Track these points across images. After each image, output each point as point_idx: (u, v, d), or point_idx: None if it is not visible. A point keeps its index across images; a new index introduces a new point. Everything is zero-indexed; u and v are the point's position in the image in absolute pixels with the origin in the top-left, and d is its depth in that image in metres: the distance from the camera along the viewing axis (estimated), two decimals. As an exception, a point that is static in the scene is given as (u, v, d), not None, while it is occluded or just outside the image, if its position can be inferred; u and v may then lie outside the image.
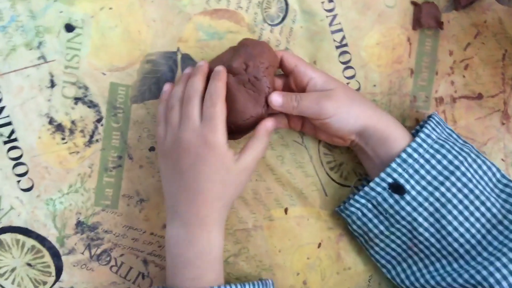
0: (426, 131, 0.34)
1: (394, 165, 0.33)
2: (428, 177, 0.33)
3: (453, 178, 0.33)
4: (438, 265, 0.34)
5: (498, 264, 0.31)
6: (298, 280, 0.39)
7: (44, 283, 0.36)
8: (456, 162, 0.33)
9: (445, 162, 0.33)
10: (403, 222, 0.34)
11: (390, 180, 0.33)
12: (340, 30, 0.39)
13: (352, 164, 0.39)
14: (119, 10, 0.35)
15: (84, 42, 0.35)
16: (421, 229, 0.33)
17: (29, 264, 0.36)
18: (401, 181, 0.33)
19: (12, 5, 0.34)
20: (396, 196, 0.33)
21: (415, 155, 0.33)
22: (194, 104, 0.32)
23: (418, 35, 0.40)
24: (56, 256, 0.36)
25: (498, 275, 0.31)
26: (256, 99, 0.33)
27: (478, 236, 0.33)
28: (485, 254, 0.32)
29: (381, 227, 0.35)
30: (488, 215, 0.33)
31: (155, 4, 0.36)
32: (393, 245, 0.36)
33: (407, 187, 0.33)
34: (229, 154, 0.32)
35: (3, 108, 0.35)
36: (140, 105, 0.37)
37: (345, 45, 0.39)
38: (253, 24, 0.37)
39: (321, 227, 0.39)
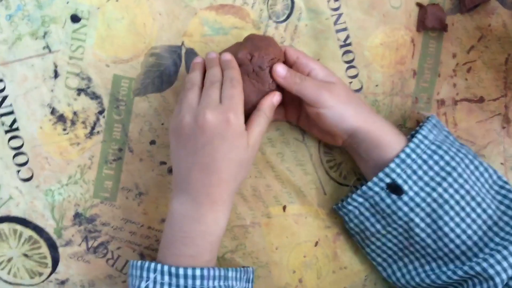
0: (423, 132, 0.40)
1: (392, 165, 0.38)
2: (426, 178, 0.38)
3: (450, 179, 0.38)
4: (434, 265, 0.40)
5: (498, 257, 0.36)
6: (294, 278, 0.44)
7: (40, 274, 0.41)
8: (453, 163, 0.39)
9: (442, 163, 0.39)
10: (400, 222, 0.39)
11: (388, 180, 0.39)
12: (345, 29, 0.44)
13: (352, 163, 0.45)
14: (125, 2, 0.40)
15: (90, 33, 0.40)
16: (417, 230, 0.39)
17: (25, 255, 0.41)
18: (399, 181, 0.38)
19: (16, -7, 0.39)
20: (394, 196, 0.39)
21: (413, 156, 0.39)
22: (216, 87, 0.37)
23: (422, 37, 0.46)
24: (53, 247, 0.41)
25: (498, 267, 0.36)
26: (260, 90, 0.39)
27: (475, 238, 0.38)
28: (481, 255, 0.38)
29: (378, 226, 0.41)
30: (484, 216, 0.39)
31: (161, -3, 0.41)
32: (389, 244, 0.42)
33: (405, 187, 0.38)
34: (246, 134, 0.36)
35: (6, 97, 0.40)
36: (142, 98, 0.42)
37: (349, 44, 0.44)
38: (258, 21, 0.42)
39: (318, 225, 0.44)
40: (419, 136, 0.39)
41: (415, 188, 0.38)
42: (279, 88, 0.39)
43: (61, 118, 0.41)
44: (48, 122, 0.41)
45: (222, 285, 0.35)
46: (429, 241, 0.39)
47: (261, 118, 0.38)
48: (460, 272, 0.38)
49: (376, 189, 0.39)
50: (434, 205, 0.38)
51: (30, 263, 0.41)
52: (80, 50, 0.41)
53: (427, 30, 0.47)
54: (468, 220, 0.38)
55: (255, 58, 0.38)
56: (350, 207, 0.41)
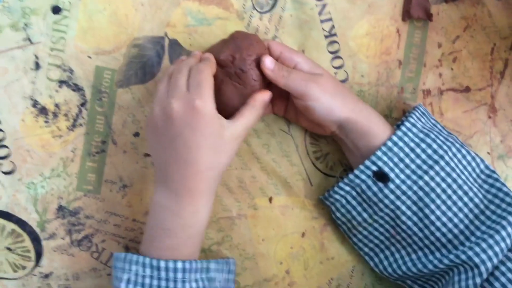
0: (412, 120, 0.39)
1: (379, 153, 0.38)
2: (413, 166, 0.38)
3: (437, 167, 0.38)
4: (420, 253, 0.39)
5: (484, 245, 0.36)
6: (281, 269, 0.44)
7: (24, 267, 0.40)
8: (440, 152, 0.38)
9: (429, 151, 0.38)
10: (386, 210, 0.39)
11: (374, 168, 0.38)
12: (330, 19, 0.43)
13: (338, 154, 0.44)
14: (106, -7, 0.40)
15: (71, 24, 0.40)
16: (404, 218, 0.38)
17: (8, 248, 0.40)
18: (386, 169, 0.38)
19: (-4, -16, 0.38)
20: (380, 184, 0.38)
21: (400, 144, 0.38)
22: (183, 74, 0.35)
23: (407, 27, 0.45)
24: (36, 240, 0.40)
25: (483, 256, 0.36)
26: (242, 92, 0.38)
27: (461, 226, 0.37)
28: (467, 244, 0.37)
29: (365, 215, 0.40)
30: (471, 205, 0.38)
31: (143, -13, 0.40)
32: (376, 233, 0.41)
33: (392, 175, 0.38)
34: (219, 120, 0.35)
35: (-14, 89, 0.39)
36: (125, 89, 0.41)
37: (334, 34, 0.44)
38: (242, 11, 0.42)
39: (305, 216, 0.44)
40: (407, 124, 0.39)
41: (402, 176, 0.38)
42: (263, 88, 0.38)
43: (43, 111, 0.40)
44: (29, 114, 0.40)
45: (204, 278, 0.35)
46: (415, 229, 0.38)
47: (251, 112, 0.37)
48: (446, 261, 0.37)
49: (363, 177, 0.39)
50: (421, 193, 0.38)
51: (13, 257, 0.40)
52: (61, 42, 0.40)
53: (412, 20, 0.46)
54: (455, 209, 0.38)
55: (236, 60, 0.37)
56: (337, 196, 0.41)
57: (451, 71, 0.47)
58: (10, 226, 0.40)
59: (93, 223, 0.41)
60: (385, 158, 0.38)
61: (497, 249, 0.36)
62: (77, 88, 0.41)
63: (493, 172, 0.40)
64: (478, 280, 0.35)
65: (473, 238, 0.37)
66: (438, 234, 0.38)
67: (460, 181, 0.38)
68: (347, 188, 0.40)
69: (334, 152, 0.45)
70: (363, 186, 0.39)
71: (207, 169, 0.35)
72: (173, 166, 0.35)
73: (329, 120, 0.38)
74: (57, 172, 0.41)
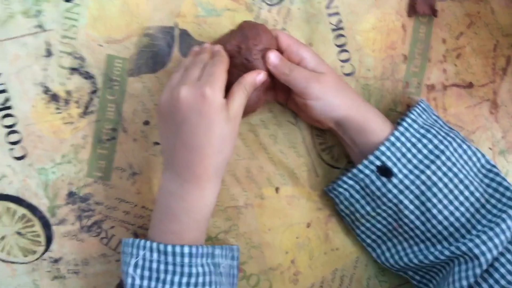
0: (412, 116, 0.39)
1: (383, 148, 0.38)
2: (414, 161, 0.38)
3: (438, 162, 0.38)
4: (422, 246, 0.39)
5: (484, 237, 0.36)
6: (286, 259, 0.44)
7: (34, 252, 0.40)
8: (442, 147, 0.38)
9: (430, 146, 0.38)
10: (389, 204, 0.39)
11: (378, 162, 0.38)
12: (337, 13, 0.44)
13: (343, 146, 0.44)
14: (119, -17, 0.40)
15: (82, 12, 0.40)
16: (406, 212, 0.38)
17: (19, 233, 0.40)
18: (389, 164, 0.38)
19: (10, -28, 0.38)
20: (383, 179, 0.38)
21: (403, 139, 0.38)
22: (197, 67, 0.36)
23: (412, 22, 0.46)
24: (46, 225, 0.40)
25: (483, 247, 0.36)
26: None
27: (462, 220, 0.38)
28: (468, 236, 0.37)
29: (368, 208, 0.40)
30: (472, 199, 0.38)
31: (155, -22, 0.40)
32: (378, 226, 0.41)
33: (395, 170, 0.38)
34: (223, 103, 0.35)
35: (-2, 75, 0.39)
36: (136, 78, 0.41)
37: (341, 28, 0.44)
38: (251, 3, 0.42)
39: (311, 207, 0.44)
40: (408, 120, 0.39)
41: (404, 171, 0.38)
42: (269, 74, 0.38)
43: (54, 97, 0.40)
44: (41, 101, 0.40)
45: (209, 263, 0.35)
46: (417, 222, 0.38)
47: (241, 91, 0.36)
48: (447, 252, 0.37)
49: (366, 171, 0.39)
50: (423, 188, 0.38)
51: (24, 241, 0.41)
52: (73, 30, 0.40)
53: (417, 15, 0.47)
54: (456, 203, 0.38)
55: (242, 50, 0.37)
56: (340, 189, 0.41)
57: (454, 67, 0.47)
58: (21, 211, 0.40)
59: (102, 209, 0.41)
60: (388, 153, 0.38)
61: (497, 241, 0.36)
62: (88, 76, 0.41)
63: (494, 166, 0.40)
64: (478, 271, 0.36)
65: (474, 231, 0.37)
66: (440, 227, 0.38)
67: (461, 176, 0.38)
68: (351, 182, 0.40)
69: (339, 144, 0.45)
70: (367, 181, 0.39)
71: (212, 155, 0.35)
72: (179, 151, 0.35)
73: (327, 118, 0.39)
74: (68, 158, 0.41)
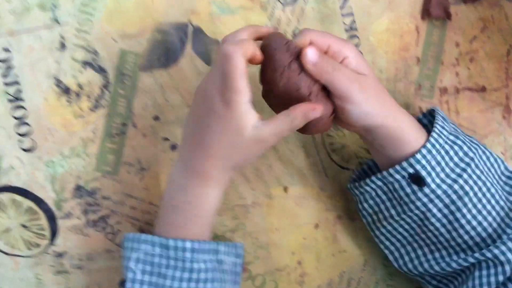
0: (440, 122, 0.37)
1: (418, 156, 0.35)
2: (447, 169, 0.36)
3: (469, 170, 0.36)
4: (444, 252, 0.37)
5: (510, 244, 0.34)
6: (293, 260, 0.43)
7: (38, 245, 0.39)
8: (471, 154, 0.36)
9: (461, 153, 0.36)
10: (416, 211, 0.37)
11: (411, 170, 0.35)
12: (351, 14, 0.43)
13: (354, 147, 0.44)
14: (134, -22, 0.40)
15: (98, 7, 0.39)
16: (433, 220, 0.36)
17: (24, 226, 0.39)
18: (423, 173, 0.35)
19: (27, -35, 0.38)
20: (415, 187, 0.36)
21: (437, 146, 0.35)
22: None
23: (426, 25, 0.45)
24: (52, 219, 0.39)
25: (510, 255, 0.34)
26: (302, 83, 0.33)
27: (489, 229, 0.36)
28: (493, 245, 0.35)
29: (392, 211, 0.38)
30: (497, 207, 0.36)
31: (170, -25, 0.40)
32: (400, 229, 0.39)
33: (428, 179, 0.35)
34: (248, 116, 0.32)
35: (12, 67, 0.39)
36: (148, 73, 0.41)
37: (355, 29, 0.43)
38: (265, 2, 0.42)
39: (319, 208, 0.43)
40: (438, 126, 0.36)
41: (437, 180, 0.35)
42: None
43: (66, 90, 0.40)
44: (53, 93, 0.40)
45: (213, 259, 0.34)
46: (443, 230, 0.36)
47: (286, 120, 0.33)
48: (471, 259, 0.35)
49: (397, 176, 0.36)
50: (454, 197, 0.35)
51: (28, 234, 0.40)
52: (88, 24, 0.40)
53: (431, 19, 0.46)
54: (484, 212, 0.36)
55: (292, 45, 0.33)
56: (367, 188, 0.38)
57: (467, 71, 0.46)
58: (27, 203, 0.39)
59: (109, 204, 0.40)
60: (423, 162, 0.35)
61: None
62: (100, 70, 0.40)
63: None
64: (501, 278, 0.34)
65: (499, 241, 0.35)
66: (466, 237, 0.36)
67: (488, 184, 0.36)
68: (379, 183, 0.37)
69: (350, 145, 0.44)
70: (396, 185, 0.37)
71: (217, 157, 0.33)
72: (190, 141, 0.34)
73: (361, 125, 0.35)
74: (76, 151, 0.40)
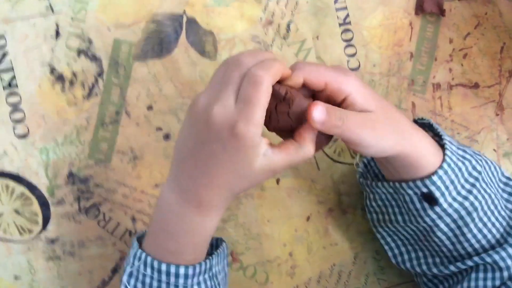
0: (447, 138, 0.35)
1: (435, 177, 0.33)
2: (459, 187, 0.34)
3: (478, 185, 0.34)
4: (445, 259, 0.37)
5: (510, 251, 0.33)
6: (284, 252, 0.43)
7: (30, 231, 0.40)
8: (478, 168, 0.35)
9: (470, 168, 0.34)
10: (424, 224, 0.36)
11: (425, 190, 0.34)
12: (344, 8, 0.43)
13: (347, 140, 0.44)
14: (129, -32, 0.40)
15: (93, -5, 0.40)
16: (439, 233, 0.35)
17: (16, 211, 0.39)
18: (437, 194, 0.33)
19: (24, -47, 0.39)
20: (426, 205, 0.34)
21: (452, 165, 0.34)
22: (237, 75, 0.29)
23: (420, 21, 0.45)
24: (44, 205, 0.39)
25: (509, 262, 0.33)
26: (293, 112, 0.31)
27: (493, 241, 0.35)
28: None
29: (399, 218, 0.37)
30: (500, 217, 0.35)
31: (165, -34, 0.40)
32: (404, 233, 0.38)
33: (441, 200, 0.34)
34: (259, 146, 0.29)
35: (6, 54, 0.39)
36: (142, 63, 0.41)
37: (348, 23, 0.43)
38: (259, -6, 0.42)
39: (311, 200, 0.43)
40: (448, 143, 0.34)
41: (449, 199, 0.34)
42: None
43: (60, 78, 0.40)
44: (47, 81, 0.40)
45: (206, 277, 0.32)
46: (447, 242, 0.35)
47: (298, 152, 0.30)
48: (469, 263, 0.35)
49: (410, 192, 0.34)
50: (463, 213, 0.34)
51: (21, 220, 0.40)
52: (82, 13, 0.40)
53: (425, 14, 0.46)
54: (489, 225, 0.35)
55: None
56: (378, 189, 0.37)
57: (461, 67, 0.46)
58: (20, 189, 0.39)
59: (101, 192, 0.40)
60: (439, 183, 0.33)
61: None
62: (94, 59, 0.40)
63: (509, 179, 0.37)
64: (497, 283, 0.33)
65: (498, 247, 0.34)
66: (469, 249, 0.35)
67: (492, 196, 0.35)
68: (390, 190, 0.36)
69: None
70: (407, 198, 0.35)
71: (222, 187, 0.30)
72: (189, 165, 0.30)
73: (376, 156, 0.34)
74: (70, 139, 0.40)
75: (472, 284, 0.34)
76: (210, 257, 0.33)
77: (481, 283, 0.34)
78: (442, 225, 0.35)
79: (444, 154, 0.33)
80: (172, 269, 0.31)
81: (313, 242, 0.43)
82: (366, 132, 0.31)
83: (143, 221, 0.41)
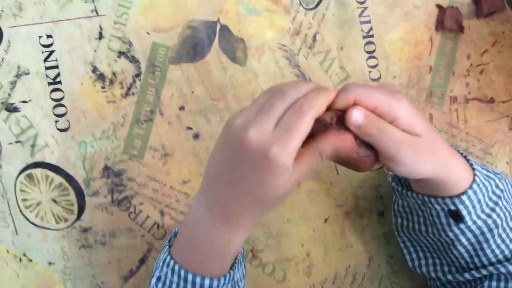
0: (472, 159, 0.35)
1: (464, 197, 0.33)
2: (484, 205, 0.35)
3: (500, 203, 0.35)
4: (460, 269, 0.38)
5: None
6: (302, 251, 0.45)
7: (66, 220, 0.42)
8: (501, 186, 0.35)
9: (493, 186, 0.35)
10: (446, 238, 0.36)
11: (452, 207, 0.34)
12: (369, 21, 0.45)
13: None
14: (170, -23, 0.42)
15: (135, 2, 0.42)
16: (459, 247, 0.36)
17: (54, 200, 0.42)
18: (464, 212, 0.34)
19: (73, -40, 0.41)
20: (451, 221, 0.35)
21: (481, 185, 0.34)
22: (281, 103, 0.29)
23: (439, 36, 0.47)
24: (80, 196, 0.42)
25: None
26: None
27: (509, 256, 0.36)
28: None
29: (423, 228, 0.38)
30: None
31: (203, -24, 0.43)
32: (424, 241, 0.39)
33: (467, 218, 0.34)
34: (288, 173, 0.29)
35: (53, 52, 0.41)
36: (176, 66, 0.43)
37: (372, 36, 0.46)
38: (289, 6, 0.44)
39: (329, 203, 0.45)
40: (474, 164, 0.35)
41: (474, 217, 0.35)
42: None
43: (101, 77, 0.43)
44: (88, 79, 0.42)
45: (229, 286, 0.33)
46: (466, 255, 0.36)
47: (315, 157, 0.30)
48: (484, 272, 0.36)
49: (437, 207, 0.35)
50: (485, 229, 0.35)
51: (58, 209, 0.42)
52: (124, 17, 0.43)
53: (444, 30, 0.48)
54: (508, 241, 0.36)
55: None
56: (407, 198, 0.38)
57: (477, 82, 0.48)
58: (58, 179, 0.42)
59: (133, 185, 0.43)
60: (467, 203, 0.34)
61: None
62: (133, 60, 0.43)
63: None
64: None
65: None
66: (486, 262, 0.36)
67: (511, 211, 0.36)
68: (419, 201, 0.37)
69: (362, 145, 0.46)
70: (433, 212, 0.36)
71: (251, 209, 0.31)
72: (220, 183, 0.31)
73: (409, 178, 0.35)
74: (107, 134, 0.42)
75: None
76: (234, 267, 0.33)
77: None
78: (463, 240, 0.36)
79: (474, 175, 0.34)
80: (198, 280, 0.31)
81: (330, 243, 0.45)
82: (405, 151, 0.31)
83: (171, 215, 0.43)
